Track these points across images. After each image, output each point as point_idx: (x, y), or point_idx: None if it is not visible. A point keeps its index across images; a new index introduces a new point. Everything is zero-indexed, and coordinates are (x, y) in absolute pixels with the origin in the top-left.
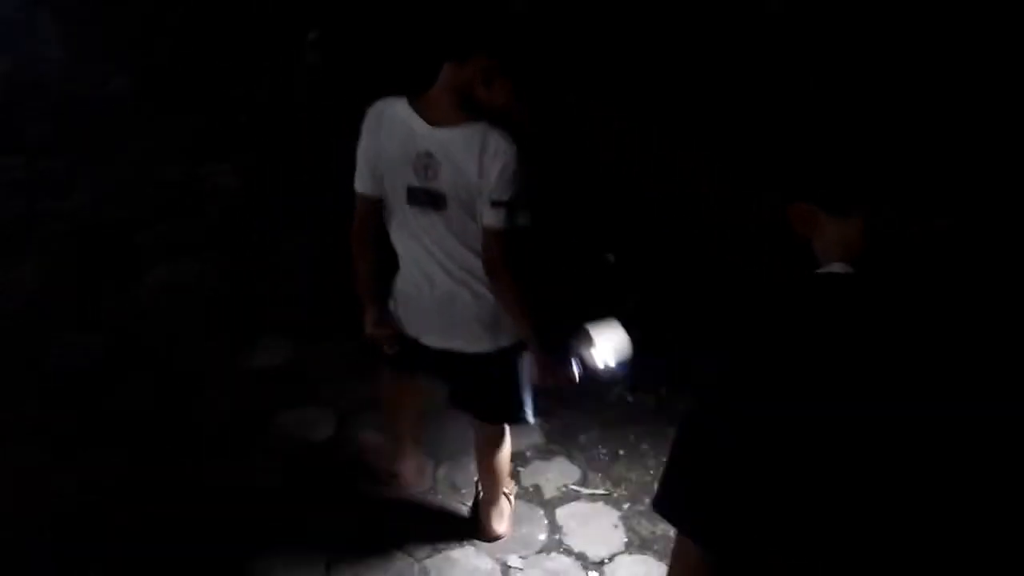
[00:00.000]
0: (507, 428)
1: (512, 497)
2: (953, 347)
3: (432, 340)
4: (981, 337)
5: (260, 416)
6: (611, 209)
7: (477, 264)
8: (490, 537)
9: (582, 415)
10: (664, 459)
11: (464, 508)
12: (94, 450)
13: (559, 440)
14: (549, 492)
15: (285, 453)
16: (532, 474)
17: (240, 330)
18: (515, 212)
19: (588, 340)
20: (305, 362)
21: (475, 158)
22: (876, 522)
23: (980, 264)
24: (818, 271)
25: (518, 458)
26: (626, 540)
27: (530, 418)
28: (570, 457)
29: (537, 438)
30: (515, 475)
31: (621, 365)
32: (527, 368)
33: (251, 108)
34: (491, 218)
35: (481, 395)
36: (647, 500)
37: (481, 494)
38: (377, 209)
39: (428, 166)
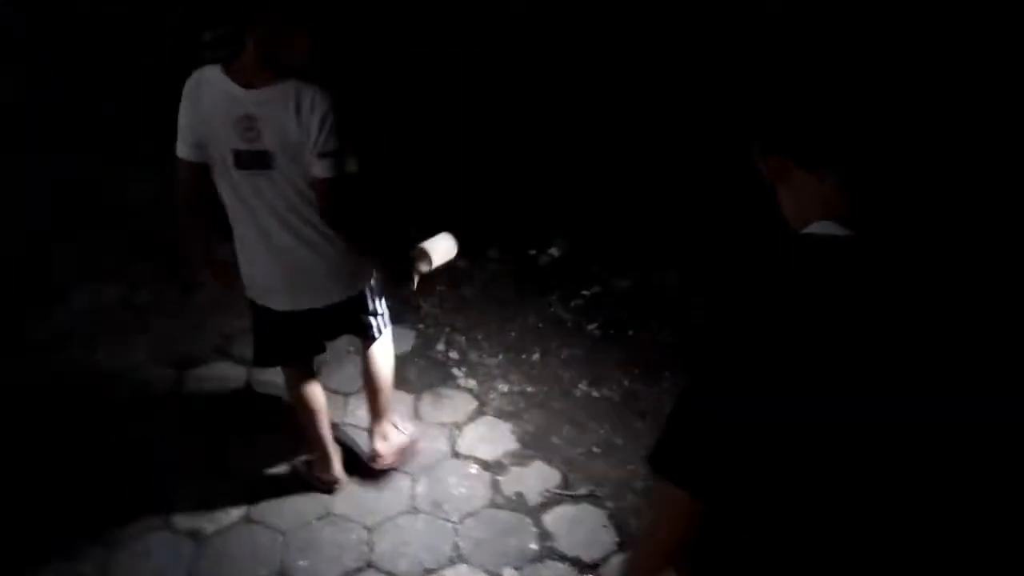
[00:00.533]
0: (384, 352)
1: (401, 428)
2: (945, 309)
3: (280, 302)
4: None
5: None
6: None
7: (313, 216)
8: (378, 465)
9: (550, 415)
10: (640, 451)
11: (448, 524)
12: None
13: (533, 445)
14: (532, 499)
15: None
16: (513, 482)
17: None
18: (342, 160)
19: (424, 255)
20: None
21: (292, 115)
22: (859, 477)
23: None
24: (804, 231)
25: (496, 467)
26: (617, 539)
27: (382, 328)
28: (548, 461)
29: (511, 444)
30: (495, 484)
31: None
32: (374, 290)
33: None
34: (320, 169)
35: (341, 328)
36: (630, 496)
37: (373, 426)
38: (201, 174)
39: (250, 128)
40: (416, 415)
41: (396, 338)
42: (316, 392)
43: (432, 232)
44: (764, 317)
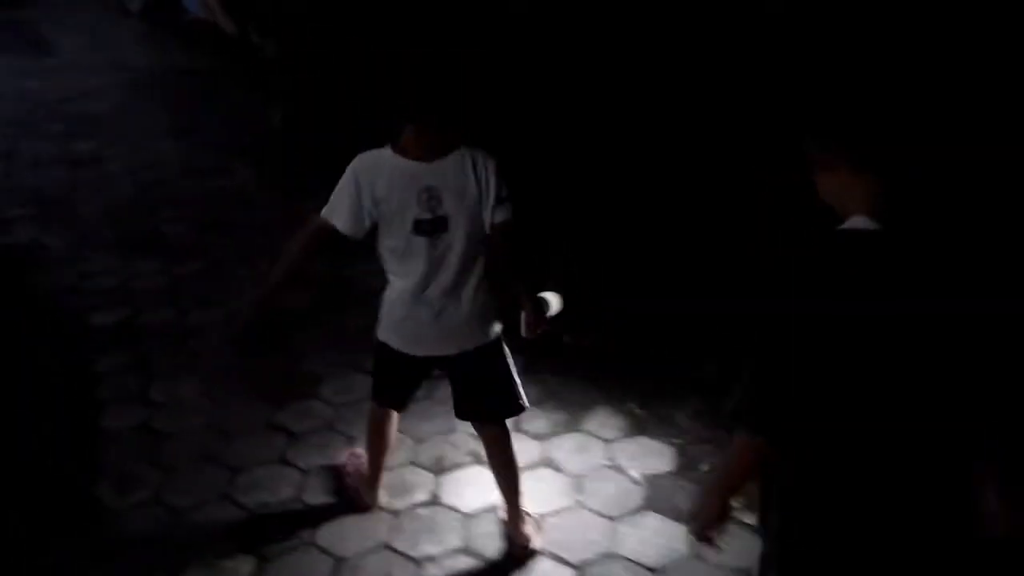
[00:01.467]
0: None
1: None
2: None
3: (425, 350)
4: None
5: None
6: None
7: (472, 269)
8: (527, 547)
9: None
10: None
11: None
12: None
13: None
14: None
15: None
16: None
17: None
18: (510, 204)
19: (546, 303)
20: None
21: (471, 177)
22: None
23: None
24: (843, 227)
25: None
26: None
27: (526, 403)
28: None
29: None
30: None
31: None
32: (511, 359)
33: None
34: (501, 214)
35: (482, 392)
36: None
37: (507, 508)
38: (332, 240)
39: (432, 197)
40: None
41: (653, 453)
42: (393, 429)
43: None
44: (818, 286)
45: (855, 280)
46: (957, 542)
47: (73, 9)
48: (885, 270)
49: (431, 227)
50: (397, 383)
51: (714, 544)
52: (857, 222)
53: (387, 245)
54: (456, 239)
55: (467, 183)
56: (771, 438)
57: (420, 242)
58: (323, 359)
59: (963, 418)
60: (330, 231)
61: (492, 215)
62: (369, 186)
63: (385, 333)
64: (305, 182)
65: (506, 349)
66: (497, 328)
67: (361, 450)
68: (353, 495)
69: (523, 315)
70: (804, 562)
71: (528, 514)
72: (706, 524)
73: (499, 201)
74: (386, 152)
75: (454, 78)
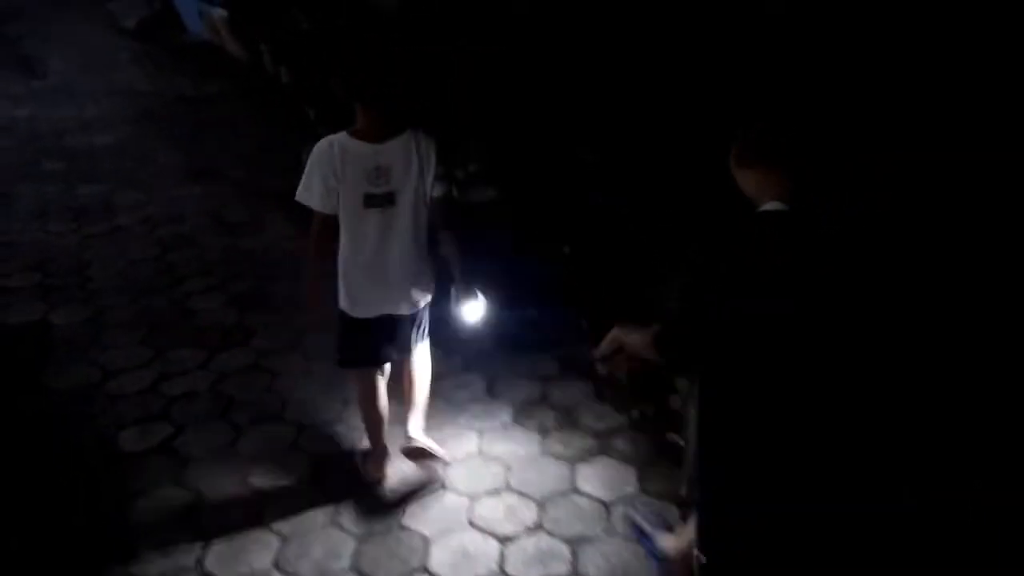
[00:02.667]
0: (425, 360)
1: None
2: (843, 254)
3: (377, 310)
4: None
5: None
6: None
7: (419, 238)
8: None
9: None
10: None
11: None
12: None
13: None
14: None
15: None
16: None
17: None
18: (443, 182)
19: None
20: None
21: (414, 155)
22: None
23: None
24: (761, 209)
25: None
26: None
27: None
28: None
29: None
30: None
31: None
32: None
33: None
34: (438, 189)
35: (415, 335)
36: None
37: (415, 432)
38: (333, 223)
39: (379, 175)
40: None
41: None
42: (383, 397)
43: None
44: (738, 256)
45: (771, 247)
46: (845, 470)
47: (61, 24)
48: (792, 240)
49: (380, 201)
50: (364, 343)
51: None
52: (770, 205)
53: (343, 218)
54: (403, 212)
55: (411, 160)
56: (685, 359)
57: (371, 214)
58: None
59: (851, 361)
60: (322, 217)
61: (431, 190)
62: (330, 167)
63: (344, 302)
64: None
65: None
66: (433, 287)
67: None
68: (366, 474)
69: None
70: (716, 484)
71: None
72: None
73: (436, 178)
74: (342, 136)
75: (402, 71)
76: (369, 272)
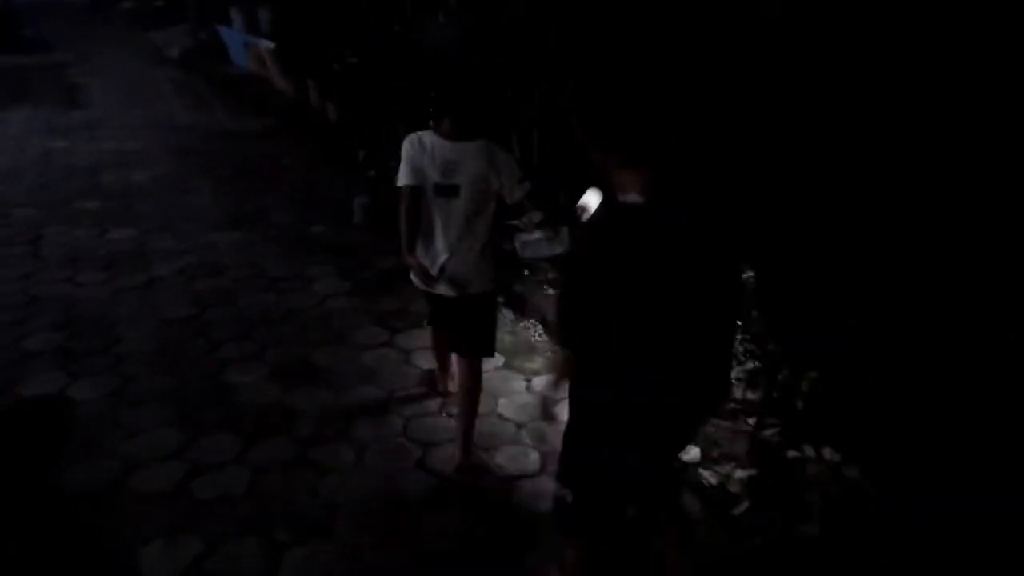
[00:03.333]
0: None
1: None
2: (688, 242)
3: (444, 289)
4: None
5: None
6: None
7: (474, 232)
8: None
9: None
10: None
11: None
12: None
13: None
14: None
15: None
16: None
17: None
18: (527, 183)
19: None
20: None
21: (485, 162)
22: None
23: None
24: (622, 200)
25: None
26: None
27: (494, 353)
28: None
29: None
30: None
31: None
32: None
33: None
34: (521, 190)
35: (466, 330)
36: None
37: (460, 438)
38: (417, 195)
39: (448, 169)
40: None
41: None
42: (445, 341)
43: None
44: (599, 245)
45: (627, 239)
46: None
47: (107, 53)
48: (647, 233)
49: (445, 191)
50: (432, 312)
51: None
52: (630, 197)
53: (423, 198)
54: (463, 204)
55: (480, 165)
56: (572, 350)
57: (437, 202)
58: None
59: (691, 337)
60: (408, 191)
61: (515, 192)
62: (415, 152)
63: (412, 274)
64: (403, 299)
65: (497, 305)
66: (490, 285)
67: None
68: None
69: None
70: (579, 431)
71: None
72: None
73: (519, 181)
74: (428, 131)
75: (479, 90)
76: (427, 253)
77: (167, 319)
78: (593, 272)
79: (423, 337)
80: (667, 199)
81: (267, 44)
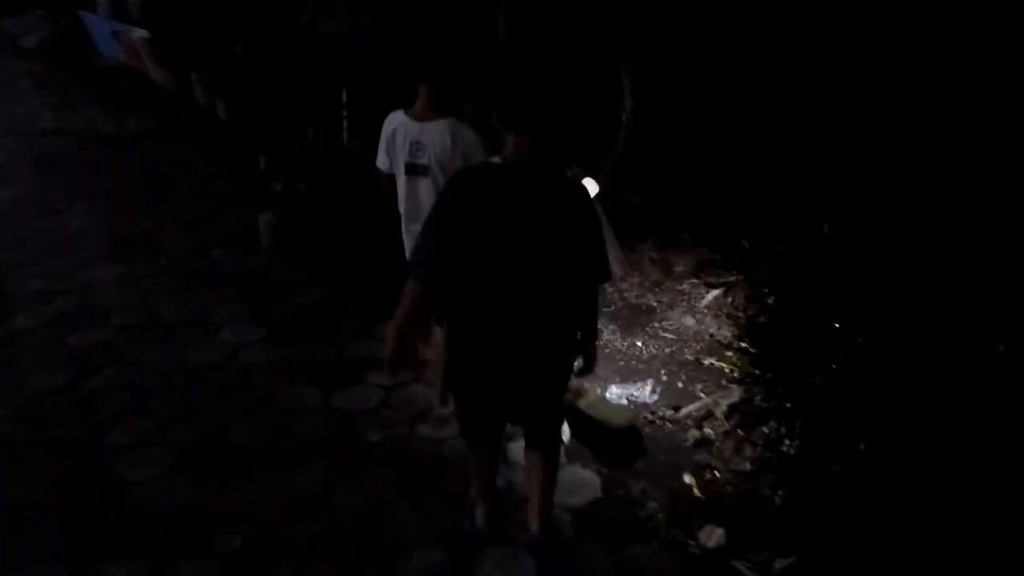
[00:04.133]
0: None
1: None
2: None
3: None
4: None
5: None
6: None
7: None
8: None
9: None
10: None
11: None
12: None
13: None
14: None
15: None
16: None
17: None
18: None
19: None
20: None
21: (449, 139)
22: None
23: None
24: (490, 159)
25: None
26: None
27: None
28: None
29: None
30: None
31: None
32: None
33: None
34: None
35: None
36: None
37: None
38: (391, 179)
39: (416, 148)
40: None
41: None
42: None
43: None
44: (462, 195)
45: (482, 191)
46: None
47: None
48: (495, 183)
49: (414, 170)
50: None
51: (397, 374)
52: (494, 159)
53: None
54: (432, 184)
55: (445, 143)
56: (427, 287)
57: (410, 181)
58: None
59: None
60: (386, 174)
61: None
62: (387, 133)
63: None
64: (335, 343)
65: None
66: None
67: None
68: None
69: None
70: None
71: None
72: (390, 357)
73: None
74: (401, 111)
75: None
76: (404, 234)
77: (36, 392)
78: (448, 212)
79: (367, 395)
80: (533, 161)
81: (139, 33)
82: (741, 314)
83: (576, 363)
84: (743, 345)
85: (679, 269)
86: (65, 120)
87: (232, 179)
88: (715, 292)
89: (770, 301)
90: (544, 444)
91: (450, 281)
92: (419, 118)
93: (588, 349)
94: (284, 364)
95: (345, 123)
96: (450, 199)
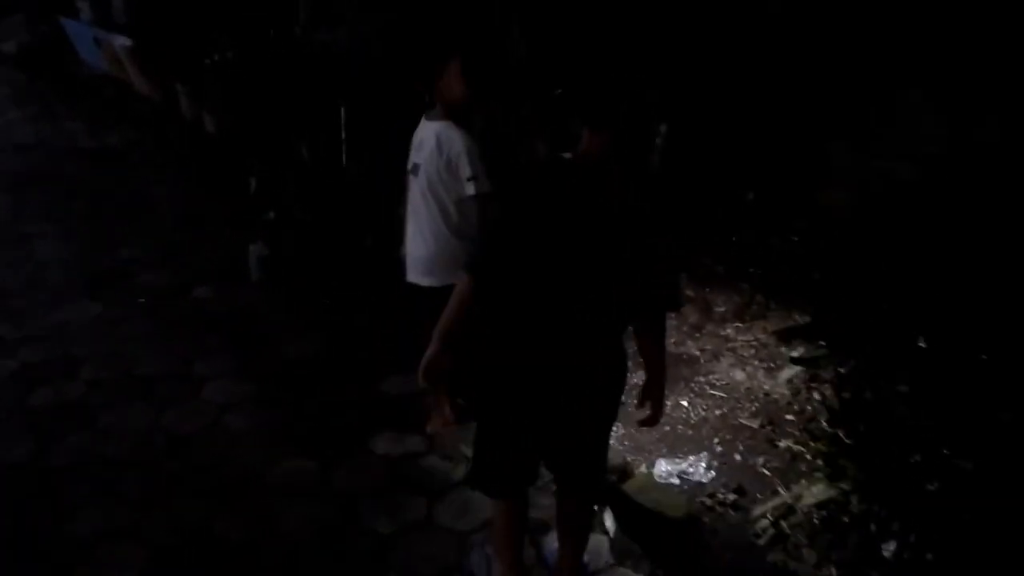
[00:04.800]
0: None
1: None
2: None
3: (411, 276)
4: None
5: None
6: None
7: (429, 216)
8: None
9: None
10: None
11: None
12: None
13: None
14: None
15: None
16: None
17: None
18: (477, 181)
19: None
20: None
21: (435, 144)
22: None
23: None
24: (560, 155)
25: None
26: None
27: None
28: None
29: None
30: None
31: None
32: None
33: None
34: (469, 189)
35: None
36: None
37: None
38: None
39: (417, 147)
40: None
41: None
42: None
43: None
44: (528, 191)
45: (549, 187)
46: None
47: None
48: (567, 183)
49: (412, 169)
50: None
51: (439, 389)
52: (565, 154)
53: None
54: (420, 184)
55: (432, 145)
56: (480, 282)
57: (409, 180)
58: None
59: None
60: None
61: (464, 189)
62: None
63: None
64: (335, 402)
65: None
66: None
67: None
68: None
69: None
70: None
71: None
72: (429, 365)
73: (468, 179)
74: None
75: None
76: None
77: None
78: (511, 208)
79: (373, 470)
80: (604, 161)
81: (122, 40)
82: (829, 392)
83: (643, 410)
84: (826, 426)
85: (719, 310)
86: (43, 134)
87: (219, 202)
88: (796, 369)
89: (867, 392)
90: (583, 488)
91: (506, 279)
92: (428, 116)
93: (655, 393)
94: (275, 430)
95: (344, 145)
96: (516, 194)
